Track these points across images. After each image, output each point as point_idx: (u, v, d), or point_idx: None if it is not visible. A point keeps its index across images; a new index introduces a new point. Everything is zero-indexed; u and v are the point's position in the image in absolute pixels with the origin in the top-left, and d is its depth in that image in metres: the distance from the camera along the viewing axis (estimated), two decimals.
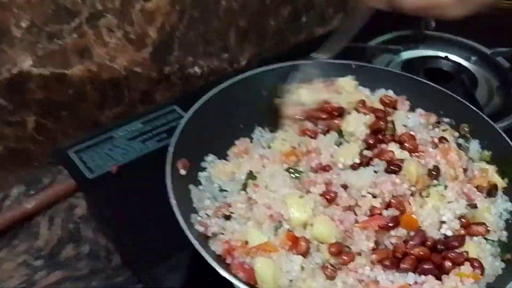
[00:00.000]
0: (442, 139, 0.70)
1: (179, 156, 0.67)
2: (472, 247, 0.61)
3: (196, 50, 1.04)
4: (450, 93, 0.75)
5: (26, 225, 0.87)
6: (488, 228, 0.63)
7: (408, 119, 0.74)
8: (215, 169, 0.70)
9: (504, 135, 0.71)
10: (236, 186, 0.67)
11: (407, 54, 1.02)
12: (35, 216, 0.88)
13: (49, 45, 0.85)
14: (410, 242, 0.60)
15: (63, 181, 0.92)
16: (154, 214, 0.74)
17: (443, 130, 0.72)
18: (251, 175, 0.67)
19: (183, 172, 0.67)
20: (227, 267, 0.59)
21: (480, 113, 0.73)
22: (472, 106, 0.73)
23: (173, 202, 0.60)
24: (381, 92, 0.78)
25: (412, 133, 0.70)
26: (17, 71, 0.84)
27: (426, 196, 0.64)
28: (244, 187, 0.66)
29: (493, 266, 0.61)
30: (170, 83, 1.04)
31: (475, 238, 0.63)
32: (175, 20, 0.97)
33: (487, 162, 0.71)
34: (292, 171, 0.67)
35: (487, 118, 0.73)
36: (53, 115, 0.92)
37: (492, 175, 0.69)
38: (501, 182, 0.68)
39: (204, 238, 0.62)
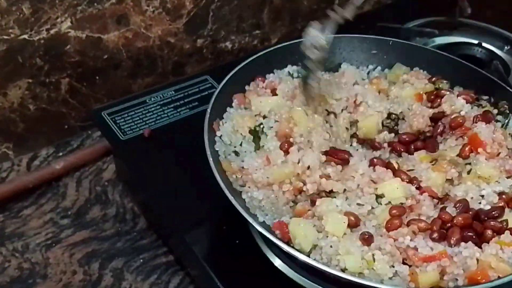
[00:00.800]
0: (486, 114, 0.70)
1: (216, 117, 0.68)
2: None
3: (229, 25, 1.04)
4: (487, 74, 0.75)
5: (54, 185, 0.89)
6: None
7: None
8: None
9: None
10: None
11: (441, 40, 1.01)
12: (63, 177, 0.90)
13: (88, 9, 0.86)
14: (454, 209, 0.60)
15: (92, 145, 0.93)
16: (184, 179, 0.75)
17: (483, 107, 0.72)
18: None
19: (219, 133, 0.67)
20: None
21: None
22: (508, 88, 0.73)
23: (209, 154, 0.61)
24: (416, 69, 0.78)
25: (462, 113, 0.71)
26: (55, 32, 0.85)
27: (468, 173, 0.64)
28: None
29: None
30: (202, 56, 1.05)
31: None
32: None
33: None
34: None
35: None
36: (87, 79, 0.93)
37: None
38: None
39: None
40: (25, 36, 0.83)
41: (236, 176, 0.64)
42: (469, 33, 1.03)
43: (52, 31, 0.85)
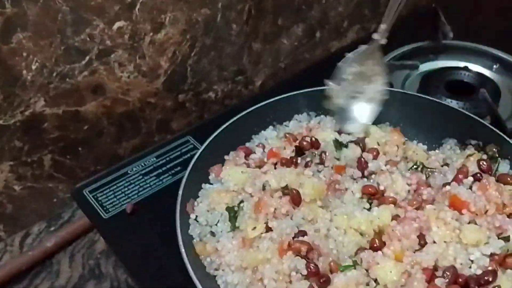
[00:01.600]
0: (481, 173, 0.66)
1: (189, 197, 0.66)
2: (505, 280, 0.58)
3: (209, 76, 1.03)
4: (474, 117, 0.72)
5: (47, 263, 0.88)
6: None
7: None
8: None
9: None
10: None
11: (426, 66, 0.99)
12: (56, 253, 0.89)
13: (61, 85, 0.85)
14: (443, 279, 0.57)
15: (83, 216, 0.92)
16: (169, 254, 0.73)
17: (469, 155, 0.69)
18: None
19: (193, 216, 0.65)
20: None
21: (505, 137, 0.69)
22: (497, 130, 0.70)
23: (182, 251, 0.58)
24: None
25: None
26: (30, 113, 0.84)
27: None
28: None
29: None
30: (186, 110, 1.03)
31: (508, 270, 0.59)
32: (187, 49, 0.96)
33: None
34: None
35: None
36: (70, 152, 0.93)
37: None
38: None
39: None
40: (0, 122, 0.82)
41: (211, 259, 0.61)
42: (455, 56, 1.01)
43: (26, 113, 0.84)
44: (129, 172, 0.83)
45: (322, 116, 0.79)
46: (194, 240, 0.63)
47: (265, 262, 0.59)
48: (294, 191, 0.64)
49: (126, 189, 0.81)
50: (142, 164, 0.84)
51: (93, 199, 0.79)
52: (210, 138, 0.71)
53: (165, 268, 0.72)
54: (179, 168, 0.83)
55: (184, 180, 0.66)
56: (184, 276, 0.70)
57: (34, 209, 0.94)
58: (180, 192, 0.64)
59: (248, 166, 0.69)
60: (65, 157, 0.92)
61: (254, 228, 0.62)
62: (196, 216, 0.65)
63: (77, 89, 0.87)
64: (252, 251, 0.60)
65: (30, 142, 0.87)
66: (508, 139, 0.69)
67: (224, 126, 0.72)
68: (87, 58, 0.86)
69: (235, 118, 0.73)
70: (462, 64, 0.99)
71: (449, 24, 1.01)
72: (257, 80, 1.11)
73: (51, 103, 0.86)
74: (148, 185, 0.82)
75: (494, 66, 0.99)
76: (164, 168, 0.84)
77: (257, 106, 0.75)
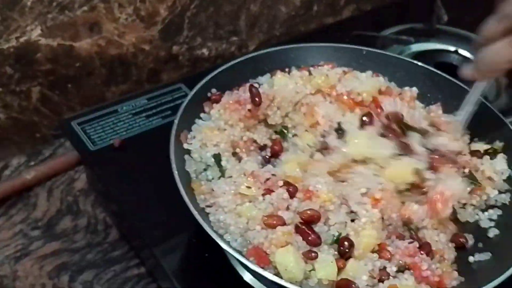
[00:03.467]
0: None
1: (183, 128, 0.66)
2: None
3: (206, 31, 1.03)
4: (457, 82, 0.75)
5: (24, 196, 0.87)
6: None
7: None
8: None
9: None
10: None
11: (417, 47, 1.01)
12: (34, 187, 0.88)
13: (59, 16, 0.85)
14: None
15: (64, 155, 0.92)
16: (155, 190, 0.74)
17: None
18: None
19: (186, 146, 0.66)
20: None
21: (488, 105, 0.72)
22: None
23: (175, 173, 0.59)
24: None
25: None
26: (25, 40, 0.83)
27: None
28: None
29: None
30: (178, 63, 1.03)
31: None
32: (187, 0, 0.96)
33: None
34: None
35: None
36: (59, 87, 0.92)
37: None
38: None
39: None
40: None
41: (205, 197, 0.61)
42: (446, 40, 1.03)
43: (22, 39, 0.83)
44: (119, 110, 0.83)
45: None
46: (192, 176, 0.63)
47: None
48: None
49: (115, 125, 0.81)
50: (133, 105, 0.84)
51: (81, 131, 0.79)
52: (210, 76, 0.71)
53: (147, 204, 0.73)
54: (169, 112, 0.84)
55: (181, 108, 0.66)
56: (167, 211, 0.71)
57: (16, 141, 0.93)
58: (176, 121, 0.64)
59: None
60: (54, 92, 0.91)
61: (249, 187, 0.60)
62: (191, 151, 0.65)
63: (74, 23, 0.87)
64: (247, 205, 0.59)
65: (21, 71, 0.86)
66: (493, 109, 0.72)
67: (224, 67, 0.72)
68: None
69: (236, 61, 0.74)
70: (452, 48, 1.02)
71: (446, 9, 1.03)
72: (251, 44, 1.12)
73: (47, 34, 0.85)
74: (137, 124, 0.82)
75: None
76: (154, 111, 0.84)
77: (257, 53, 0.76)
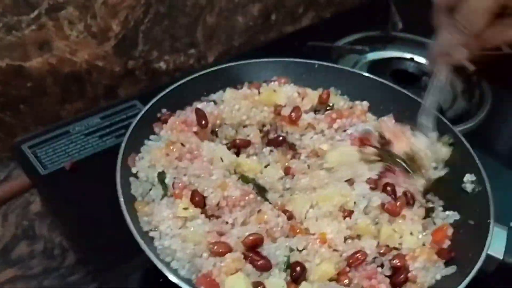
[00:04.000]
0: None
1: (132, 151, 0.65)
2: None
3: (162, 45, 1.02)
4: (407, 93, 0.75)
5: None
6: None
7: None
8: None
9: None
10: None
11: (373, 55, 1.02)
12: None
13: (6, 37, 0.83)
14: None
15: (19, 176, 0.89)
16: (109, 212, 0.72)
17: None
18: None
19: (134, 169, 0.65)
20: None
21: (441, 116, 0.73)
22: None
23: (121, 201, 0.58)
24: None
25: None
26: None
27: None
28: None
29: None
30: (135, 78, 1.02)
31: None
32: (140, 14, 0.95)
33: None
34: None
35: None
36: (12, 109, 0.90)
37: None
38: None
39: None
40: None
41: (147, 219, 0.60)
42: (402, 47, 1.04)
43: None
44: (71, 131, 0.82)
45: None
46: (137, 198, 0.62)
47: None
48: None
49: (67, 147, 0.80)
50: (86, 124, 0.83)
51: (31, 155, 0.78)
52: (161, 95, 0.70)
53: (101, 227, 0.71)
54: (123, 131, 0.82)
55: (129, 131, 0.65)
56: (120, 234, 0.70)
57: None
58: (123, 145, 0.63)
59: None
60: (5, 114, 0.89)
61: (186, 208, 0.59)
62: (137, 172, 0.64)
63: (22, 43, 0.85)
64: (191, 230, 0.58)
65: None
66: (445, 120, 0.73)
67: (175, 85, 0.72)
68: (36, 11, 0.83)
69: (187, 79, 0.73)
70: (408, 55, 1.02)
71: (400, 16, 1.04)
72: (210, 55, 1.11)
73: None
74: (90, 145, 0.80)
75: None
76: (108, 130, 0.83)
77: (209, 70, 0.76)
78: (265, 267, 0.55)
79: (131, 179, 0.63)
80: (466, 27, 0.60)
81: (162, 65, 1.05)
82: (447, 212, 0.66)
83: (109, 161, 0.76)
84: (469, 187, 0.67)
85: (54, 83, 0.92)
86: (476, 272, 0.58)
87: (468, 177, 0.68)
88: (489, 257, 0.60)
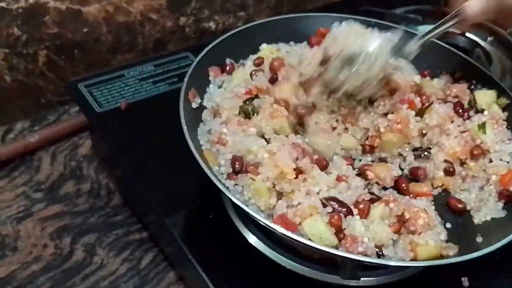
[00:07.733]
0: None
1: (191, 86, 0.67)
2: None
3: (213, 4, 1.03)
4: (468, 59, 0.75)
5: (28, 159, 0.87)
6: None
7: None
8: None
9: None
10: None
11: (424, 28, 1.00)
12: (38, 151, 0.88)
13: None
14: None
15: (69, 120, 0.92)
16: (159, 154, 0.73)
17: None
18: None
19: (194, 105, 0.66)
20: None
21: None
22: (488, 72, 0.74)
23: (185, 129, 0.59)
24: None
25: None
26: (34, 1, 0.83)
27: None
28: None
29: None
30: (184, 35, 1.03)
31: None
32: None
33: None
34: None
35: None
36: (66, 52, 0.92)
37: None
38: None
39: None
40: (3, 4, 0.81)
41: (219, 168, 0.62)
42: None
43: (31, 0, 0.83)
44: (125, 75, 0.83)
45: None
46: (203, 147, 0.64)
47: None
48: None
49: (121, 89, 0.81)
50: (140, 70, 0.84)
51: (87, 93, 0.79)
52: (221, 38, 0.71)
53: (152, 167, 0.73)
54: (176, 79, 0.84)
55: (192, 66, 0.66)
56: (171, 174, 0.71)
57: (20, 105, 0.92)
58: (186, 79, 0.65)
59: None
60: (60, 57, 0.91)
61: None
62: (200, 103, 0.66)
63: None
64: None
65: (28, 32, 0.85)
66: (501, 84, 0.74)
67: (239, 29, 0.73)
68: None
69: (252, 24, 0.75)
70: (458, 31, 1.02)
71: None
72: (257, 20, 1.11)
73: None
74: (144, 89, 0.82)
75: (488, 38, 1.02)
76: (161, 77, 0.84)
77: (266, 20, 0.76)
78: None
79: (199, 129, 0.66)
80: None
81: (211, 24, 1.06)
82: None
83: (162, 105, 0.78)
84: None
85: (108, 31, 0.94)
86: None
87: None
88: None
